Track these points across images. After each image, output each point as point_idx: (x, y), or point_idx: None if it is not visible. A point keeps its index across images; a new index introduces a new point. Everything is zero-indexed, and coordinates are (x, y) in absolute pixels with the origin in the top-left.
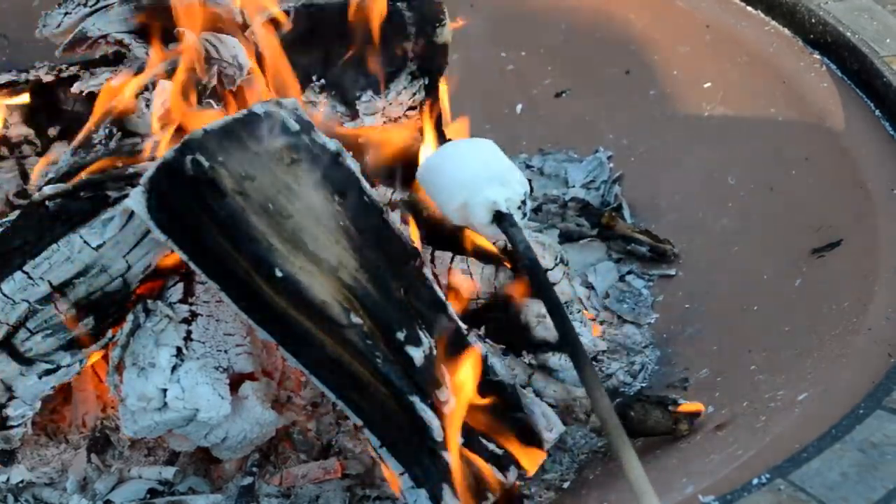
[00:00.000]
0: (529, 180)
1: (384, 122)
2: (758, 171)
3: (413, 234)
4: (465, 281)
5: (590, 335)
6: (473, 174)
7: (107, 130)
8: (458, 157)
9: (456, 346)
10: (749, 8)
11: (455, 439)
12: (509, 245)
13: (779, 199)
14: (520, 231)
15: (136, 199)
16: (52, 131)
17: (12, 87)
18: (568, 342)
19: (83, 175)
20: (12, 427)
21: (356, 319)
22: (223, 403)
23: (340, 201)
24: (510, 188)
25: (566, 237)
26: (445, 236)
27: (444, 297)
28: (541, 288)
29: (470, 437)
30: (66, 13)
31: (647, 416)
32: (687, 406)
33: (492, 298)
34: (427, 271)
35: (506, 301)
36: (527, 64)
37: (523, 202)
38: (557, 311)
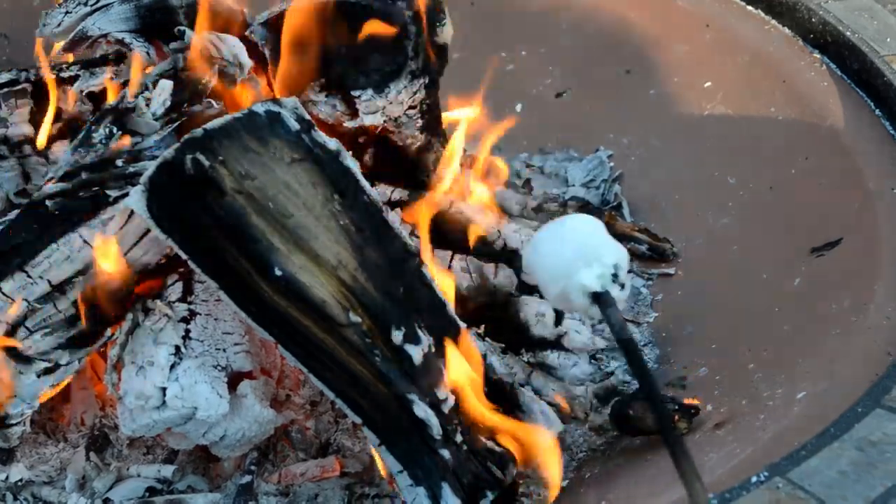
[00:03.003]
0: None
1: (384, 121)
2: (758, 171)
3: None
4: (464, 279)
5: (588, 333)
6: (564, 262)
7: (107, 130)
8: (549, 246)
9: (455, 345)
10: (749, 7)
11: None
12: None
13: (779, 199)
14: (614, 311)
15: (136, 199)
16: (53, 130)
17: (12, 87)
18: (664, 426)
19: (83, 174)
20: (11, 425)
21: (355, 318)
22: (222, 402)
23: (340, 200)
24: (599, 265)
25: None
26: (445, 235)
27: (443, 296)
28: (637, 368)
29: (469, 435)
30: (66, 12)
31: (645, 415)
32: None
33: (491, 297)
34: (426, 270)
35: (505, 300)
36: (527, 64)
37: (615, 275)
38: (652, 391)
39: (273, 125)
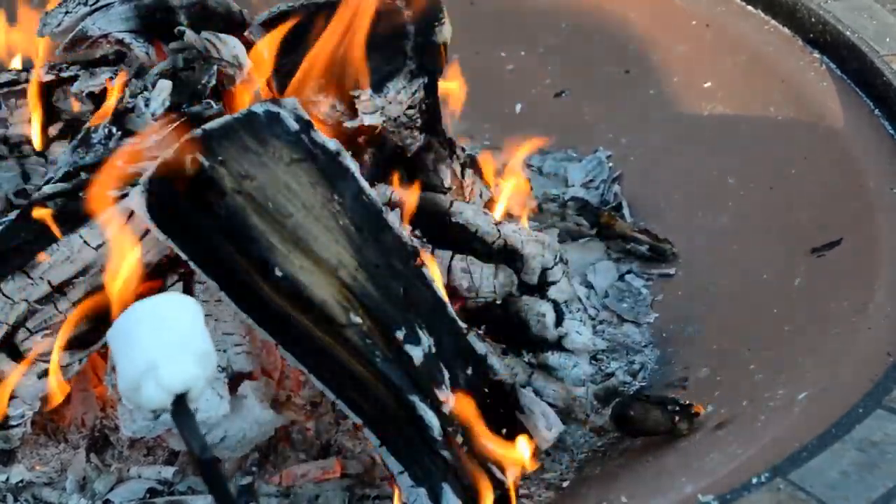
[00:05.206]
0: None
1: (384, 121)
2: (757, 171)
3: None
4: (464, 280)
5: (589, 334)
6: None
7: (106, 130)
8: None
9: (455, 346)
10: (749, 7)
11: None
12: None
13: (778, 199)
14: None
15: (136, 199)
16: (52, 131)
17: (12, 87)
18: None
19: (83, 174)
20: (12, 427)
21: (356, 319)
22: (222, 403)
23: (340, 200)
24: (196, 362)
25: (566, 236)
26: (445, 235)
27: (443, 296)
28: (210, 486)
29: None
30: (66, 12)
31: (646, 416)
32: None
33: (492, 297)
34: (426, 270)
35: (505, 300)
36: (526, 64)
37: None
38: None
39: (272, 125)
